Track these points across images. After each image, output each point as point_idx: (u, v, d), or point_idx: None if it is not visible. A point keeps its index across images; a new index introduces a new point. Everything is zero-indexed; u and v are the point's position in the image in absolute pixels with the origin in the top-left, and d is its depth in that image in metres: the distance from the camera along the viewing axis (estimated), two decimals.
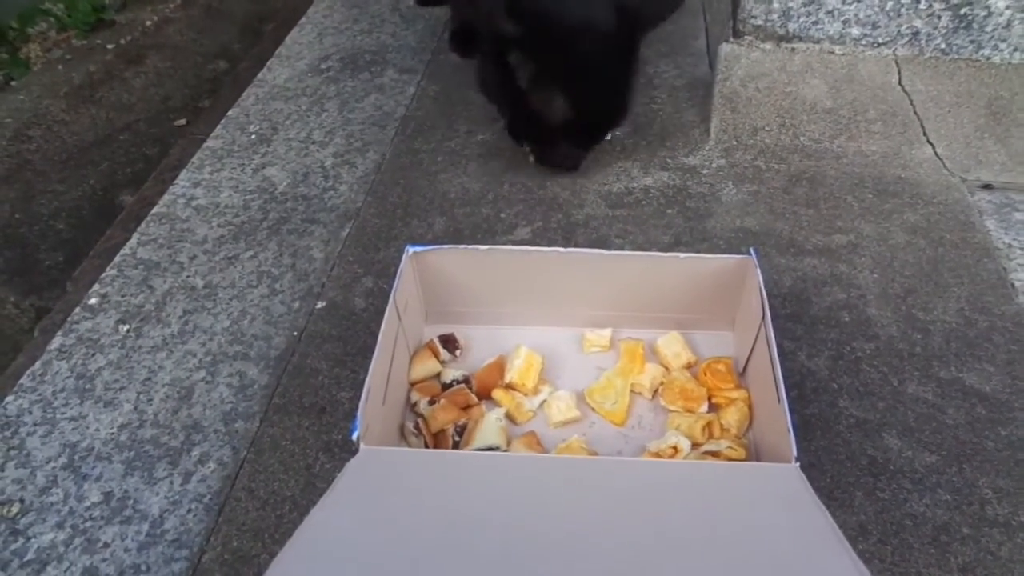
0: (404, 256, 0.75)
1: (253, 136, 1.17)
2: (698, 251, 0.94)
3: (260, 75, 1.31)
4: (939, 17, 1.09)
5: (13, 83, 2.18)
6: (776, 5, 1.11)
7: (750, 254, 0.75)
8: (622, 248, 0.94)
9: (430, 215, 1.01)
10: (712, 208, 1.00)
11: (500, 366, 0.78)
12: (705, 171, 1.06)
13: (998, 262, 0.93)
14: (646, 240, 0.96)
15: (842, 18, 1.11)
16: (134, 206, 1.71)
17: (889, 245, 0.95)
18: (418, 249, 0.76)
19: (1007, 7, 1.07)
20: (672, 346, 0.80)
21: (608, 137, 1.12)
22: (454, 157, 1.11)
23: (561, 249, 0.76)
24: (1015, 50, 1.10)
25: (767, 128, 1.09)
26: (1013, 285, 0.91)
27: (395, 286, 0.72)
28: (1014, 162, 1.05)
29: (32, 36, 2.34)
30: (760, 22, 1.13)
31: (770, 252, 0.94)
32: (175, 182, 1.11)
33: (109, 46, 2.28)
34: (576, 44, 0.94)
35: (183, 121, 2.00)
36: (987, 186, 1.04)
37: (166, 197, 1.08)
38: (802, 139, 1.08)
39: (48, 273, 1.67)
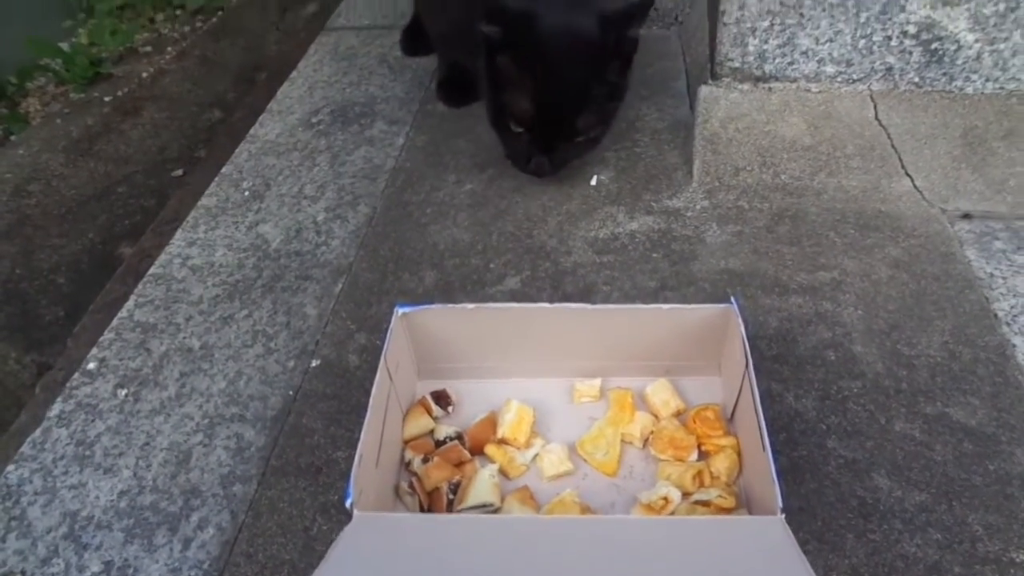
0: (393, 316, 0.77)
1: (247, 193, 1.20)
2: (684, 295, 0.96)
3: (253, 130, 1.34)
4: (911, 53, 1.12)
5: (12, 138, 2.22)
6: (752, 48, 1.14)
7: (731, 303, 0.76)
8: (609, 295, 0.96)
9: (421, 268, 1.03)
10: (697, 250, 1.02)
11: (492, 421, 0.79)
12: (689, 213, 1.08)
13: (980, 292, 0.95)
14: (632, 286, 0.98)
15: (816, 58, 1.14)
16: (133, 259, 1.73)
17: (872, 281, 0.96)
18: (407, 310, 0.78)
19: (975, 41, 1.09)
20: (661, 393, 0.81)
21: (593, 183, 1.14)
22: (443, 208, 1.13)
23: (547, 305, 0.78)
24: (986, 80, 1.13)
25: (748, 168, 1.11)
26: (996, 315, 0.92)
27: (385, 347, 0.73)
28: (991, 191, 1.07)
29: (31, 90, 2.38)
30: (737, 64, 1.16)
31: (755, 293, 0.96)
32: (171, 241, 1.13)
33: (107, 99, 2.32)
34: (552, 46, 1.00)
35: (180, 172, 2.04)
36: (966, 216, 1.06)
37: (162, 257, 1.10)
38: (783, 177, 1.10)
39: (49, 328, 1.69)
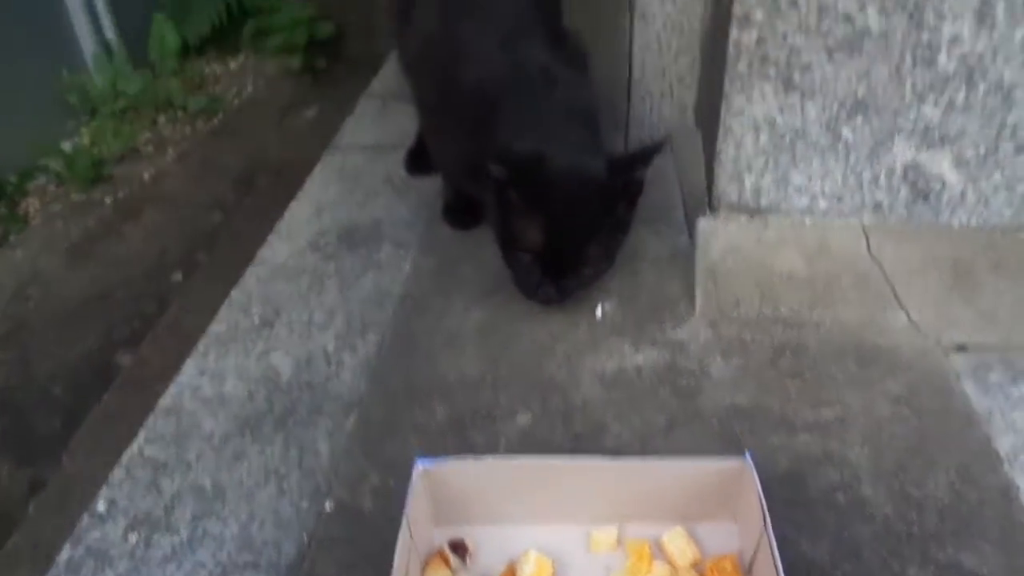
0: (414, 472, 0.78)
1: (256, 319, 1.22)
2: (692, 432, 0.98)
3: (261, 252, 1.36)
4: (899, 190, 1.17)
5: (11, 239, 2.24)
6: (748, 183, 1.19)
7: (746, 457, 0.78)
8: (620, 434, 0.98)
9: (431, 401, 1.05)
10: (703, 385, 1.05)
11: (511, 574, 0.80)
12: (693, 346, 1.11)
13: (981, 429, 0.98)
14: (642, 422, 1.00)
15: (809, 193, 1.19)
16: (133, 370, 1.73)
17: (876, 418, 0.99)
18: (427, 465, 0.79)
19: (959, 180, 1.15)
20: (677, 542, 0.82)
21: (598, 312, 1.17)
22: (452, 338, 1.15)
23: (564, 458, 0.79)
24: (971, 215, 1.18)
25: (748, 300, 1.15)
26: (998, 454, 0.95)
27: (407, 506, 0.74)
28: (983, 321, 1.11)
29: (30, 190, 2.41)
30: (734, 199, 1.21)
31: (762, 431, 0.98)
32: (182, 370, 1.14)
33: (107, 200, 2.36)
34: (560, 185, 1.05)
35: (179, 276, 2.06)
36: (961, 348, 1.10)
37: (172, 389, 1.11)
38: (782, 309, 1.14)
39: (44, 441, 1.68)
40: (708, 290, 1.16)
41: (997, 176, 1.14)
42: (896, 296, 1.14)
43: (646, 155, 1.10)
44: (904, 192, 1.17)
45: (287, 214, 1.47)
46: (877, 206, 1.19)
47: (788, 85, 1.11)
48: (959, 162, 1.14)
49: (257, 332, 1.20)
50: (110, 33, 2.78)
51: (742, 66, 1.10)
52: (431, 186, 1.53)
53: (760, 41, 1.08)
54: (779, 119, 1.13)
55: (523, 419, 1.01)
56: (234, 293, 1.28)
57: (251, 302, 1.26)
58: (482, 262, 1.30)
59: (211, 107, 2.78)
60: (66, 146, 2.57)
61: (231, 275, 1.96)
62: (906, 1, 1.03)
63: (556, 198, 1.07)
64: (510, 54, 1.20)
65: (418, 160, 1.56)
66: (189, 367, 1.15)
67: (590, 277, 1.14)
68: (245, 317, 1.23)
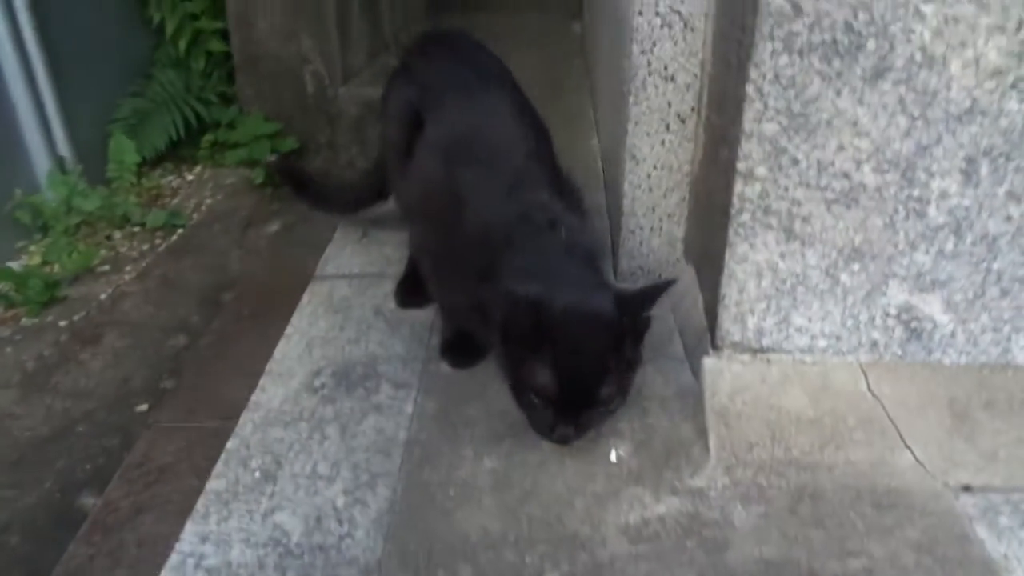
0: None
1: (257, 474, 1.16)
2: None
3: (255, 397, 1.32)
4: (893, 330, 1.22)
5: None
6: (751, 325, 1.22)
7: None
8: None
9: (455, 563, 1.01)
10: (728, 536, 1.04)
11: None
12: (712, 493, 1.11)
13: None
14: None
15: (809, 333, 1.23)
16: (99, 514, 1.62)
17: (901, 567, 1.00)
18: None
19: (949, 321, 1.21)
20: None
21: (613, 458, 1.17)
22: (466, 489, 1.13)
23: None
24: (961, 354, 1.24)
25: (760, 443, 1.16)
26: None
27: None
28: (985, 461, 1.15)
29: None
30: (737, 339, 1.23)
31: None
32: (180, 538, 1.07)
33: (62, 323, 2.25)
34: (570, 328, 1.06)
35: (145, 406, 1.96)
36: (967, 488, 1.13)
37: (173, 558, 1.04)
38: (794, 452, 1.16)
39: None
40: (721, 434, 1.17)
41: (984, 318, 1.20)
42: (901, 436, 1.17)
43: (653, 293, 1.13)
44: (898, 332, 1.22)
45: (277, 352, 1.44)
46: (873, 345, 1.23)
47: (789, 234, 1.16)
48: (949, 305, 1.19)
49: (260, 488, 1.14)
50: (63, 149, 2.72)
51: (745, 216, 1.15)
52: (423, 318, 1.52)
53: (763, 194, 1.13)
54: (781, 265, 1.18)
55: None
56: (231, 444, 1.23)
57: (250, 453, 1.20)
58: (486, 404, 1.29)
59: (170, 222, 2.73)
60: (14, 265, 2.47)
61: (201, 406, 1.89)
62: (899, 159, 1.10)
63: (565, 341, 1.07)
64: (515, 200, 1.23)
65: (409, 293, 1.55)
66: (189, 532, 1.08)
67: (604, 415, 1.14)
68: (245, 471, 1.17)
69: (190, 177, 3.15)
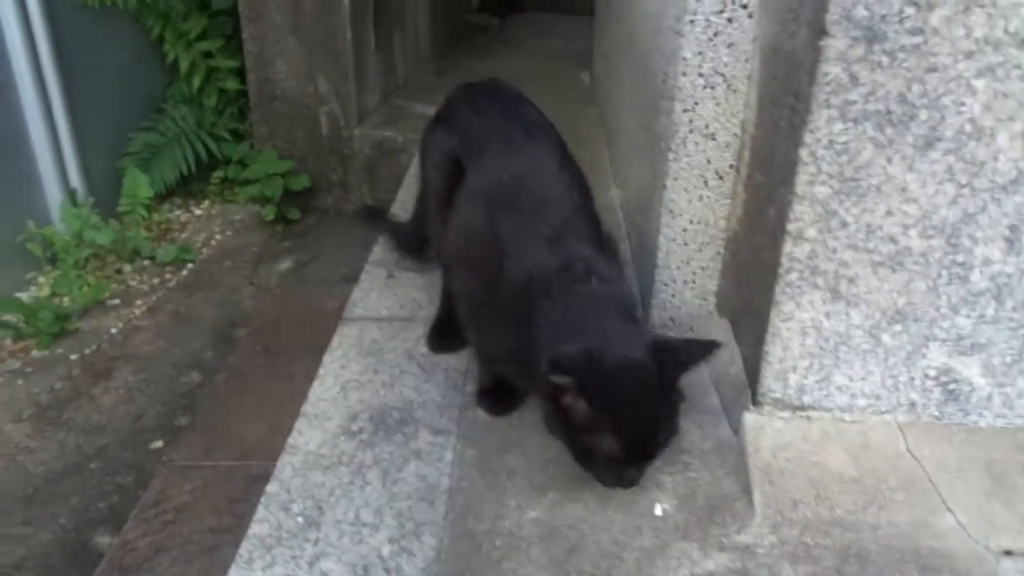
0: None
1: (300, 519, 1.15)
2: None
3: (292, 440, 1.31)
4: (931, 391, 1.24)
5: None
6: (792, 382, 1.24)
7: None
8: None
9: None
10: None
11: None
12: (760, 551, 1.11)
13: None
14: None
15: (849, 392, 1.24)
16: (116, 554, 1.59)
17: None
18: None
19: (987, 384, 1.23)
20: None
21: (658, 512, 1.17)
22: (513, 540, 1.12)
23: None
24: (997, 416, 1.26)
25: (805, 501, 1.17)
26: None
27: None
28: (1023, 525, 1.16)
29: None
30: (778, 395, 1.25)
31: None
32: None
33: (73, 356, 2.23)
34: (621, 386, 1.08)
35: (159, 443, 1.94)
36: (1008, 552, 1.14)
37: None
38: (838, 511, 1.16)
39: None
40: (765, 491, 1.18)
41: (1021, 382, 1.22)
42: (941, 497, 1.18)
43: (697, 352, 1.15)
44: (936, 393, 1.24)
45: (311, 394, 1.43)
46: (911, 405, 1.25)
47: (835, 295, 1.18)
48: (987, 368, 1.22)
49: (303, 534, 1.13)
50: (75, 181, 2.73)
51: (793, 276, 1.17)
52: (457, 364, 1.52)
53: (812, 255, 1.16)
54: (825, 324, 1.20)
55: None
56: (271, 487, 1.21)
57: (291, 498, 1.19)
58: (525, 451, 1.29)
59: (180, 257, 2.72)
60: (23, 297, 2.45)
61: (217, 445, 1.87)
62: (944, 226, 1.13)
63: (623, 402, 1.08)
64: (557, 252, 1.24)
65: (442, 338, 1.55)
66: None
67: (663, 452, 1.15)
68: (287, 516, 1.16)
69: (198, 212, 3.16)
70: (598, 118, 2.88)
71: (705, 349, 1.16)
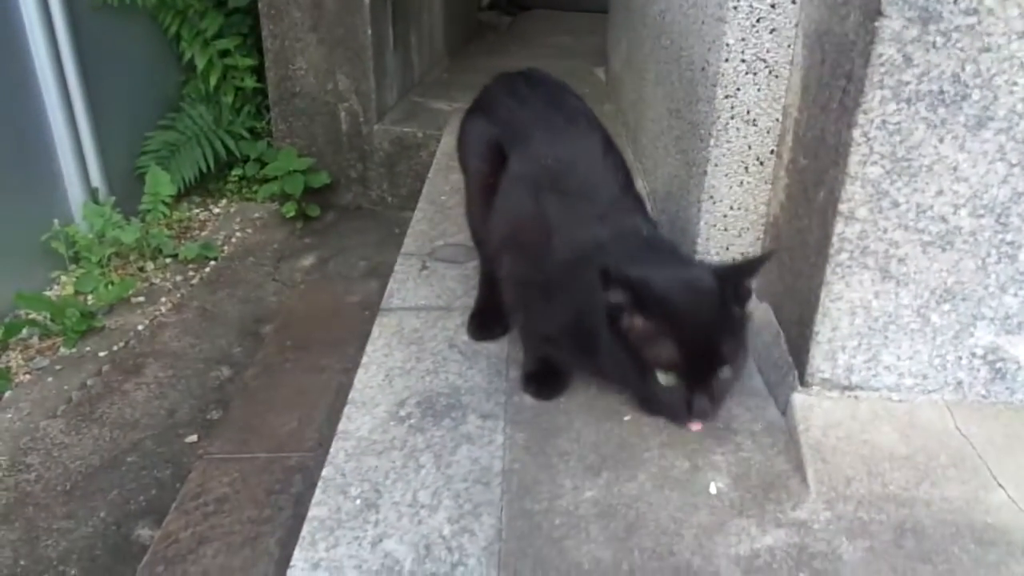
0: None
1: (358, 502, 1.16)
2: None
3: (342, 426, 1.31)
4: (978, 370, 1.25)
5: None
6: (841, 362, 1.25)
7: None
8: None
9: None
10: (839, 569, 1.06)
11: None
12: (816, 526, 1.12)
13: None
14: None
15: (897, 372, 1.26)
16: (159, 546, 1.60)
17: None
18: None
19: None
20: None
21: (713, 490, 1.18)
22: (571, 518, 1.13)
23: None
24: None
25: (858, 478, 1.18)
26: None
27: None
28: None
29: (11, 344, 2.27)
30: (827, 375, 1.26)
31: None
32: (291, 564, 1.06)
33: (101, 354, 2.24)
34: (677, 296, 1.09)
35: (194, 437, 1.95)
36: None
37: None
38: (890, 487, 1.18)
39: None
40: (818, 468, 1.19)
41: None
42: (992, 473, 1.19)
43: (753, 266, 1.16)
44: (983, 372, 1.26)
45: (357, 381, 1.44)
46: (958, 384, 1.27)
47: (885, 274, 1.19)
48: None
49: (363, 516, 1.14)
50: (97, 180, 2.73)
51: (844, 256, 1.19)
52: (498, 352, 1.53)
53: (862, 235, 1.17)
54: (874, 304, 1.21)
55: None
56: (326, 472, 1.22)
57: (347, 481, 1.20)
58: (575, 434, 1.30)
59: (203, 254, 2.73)
60: (48, 295, 2.45)
61: (252, 437, 1.88)
62: (994, 205, 1.14)
63: (678, 306, 1.09)
64: (608, 225, 1.26)
65: (482, 327, 1.56)
66: (299, 559, 1.07)
67: (730, 383, 1.13)
68: (345, 499, 1.17)
69: (217, 210, 3.17)
70: (615, 113, 2.90)
71: (757, 263, 1.16)
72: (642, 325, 1.10)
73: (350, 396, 1.40)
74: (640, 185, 2.17)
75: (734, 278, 1.13)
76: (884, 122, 1.10)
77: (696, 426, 1.14)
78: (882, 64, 1.07)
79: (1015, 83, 1.07)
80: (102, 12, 2.70)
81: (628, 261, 1.15)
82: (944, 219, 1.16)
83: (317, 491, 1.19)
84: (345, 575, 1.05)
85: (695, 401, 1.09)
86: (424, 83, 3.46)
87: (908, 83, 1.08)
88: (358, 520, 1.14)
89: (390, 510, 1.15)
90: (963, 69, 1.07)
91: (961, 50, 1.06)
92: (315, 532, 1.12)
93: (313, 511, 1.15)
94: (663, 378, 1.10)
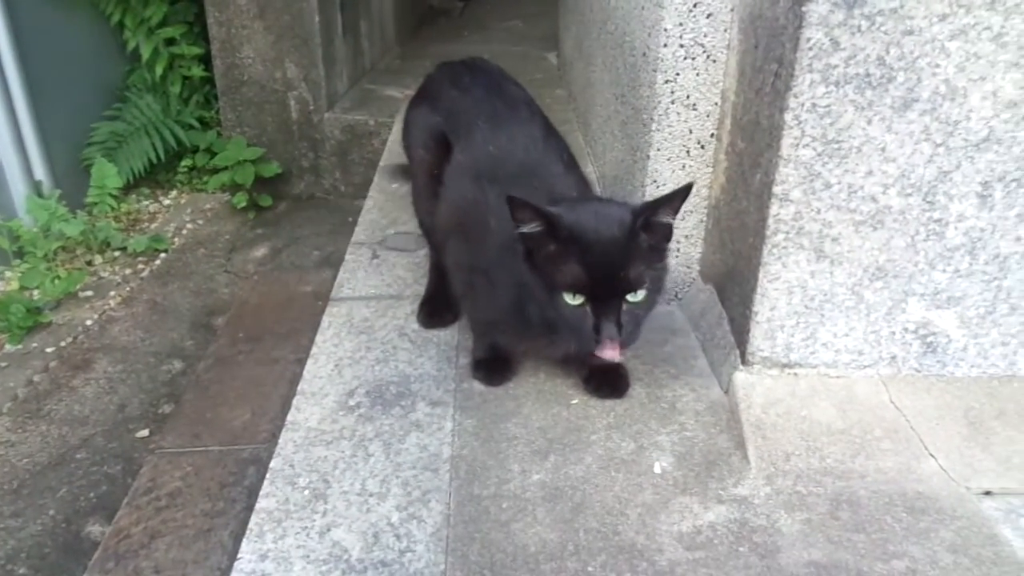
0: None
1: (306, 492, 1.16)
2: None
3: (291, 416, 1.32)
4: (911, 344, 1.29)
5: None
6: (780, 340, 1.28)
7: None
8: None
9: (519, 574, 1.03)
10: (777, 542, 1.09)
11: None
12: (757, 501, 1.15)
13: None
14: None
15: (834, 348, 1.29)
16: (110, 541, 1.59)
17: (942, 568, 1.05)
18: None
19: (962, 335, 1.29)
20: None
21: (657, 470, 1.20)
22: (518, 502, 1.15)
23: None
24: (972, 366, 1.32)
25: (796, 453, 1.21)
26: None
27: None
28: (1002, 468, 1.22)
29: None
30: (767, 354, 1.29)
31: None
32: (239, 556, 1.06)
33: (48, 350, 2.20)
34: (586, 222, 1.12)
35: (145, 432, 1.93)
36: (987, 493, 1.19)
37: None
38: (828, 461, 1.21)
39: None
40: (759, 445, 1.22)
41: (994, 332, 1.28)
42: (924, 444, 1.24)
43: (664, 199, 1.14)
44: (916, 346, 1.30)
45: (306, 372, 1.43)
46: (892, 359, 1.30)
47: (819, 254, 1.22)
48: (963, 320, 1.27)
49: (311, 506, 1.14)
50: (40, 173, 2.67)
51: (780, 237, 1.21)
52: (448, 339, 1.54)
53: (797, 216, 1.20)
54: (810, 283, 1.24)
55: None
56: (274, 463, 1.22)
57: (296, 472, 1.20)
58: (523, 419, 1.31)
59: (153, 247, 2.69)
60: None
61: (204, 431, 1.87)
62: (921, 184, 1.17)
63: (585, 231, 1.11)
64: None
65: (432, 314, 1.57)
66: (247, 551, 1.07)
67: (641, 311, 1.14)
68: (294, 490, 1.17)
69: (167, 202, 3.12)
70: (567, 97, 2.90)
71: (675, 195, 1.14)
72: (552, 250, 1.12)
73: (299, 387, 1.40)
74: (590, 170, 2.19)
75: (646, 211, 1.13)
76: (814, 105, 1.13)
77: (608, 352, 1.12)
78: (810, 48, 1.09)
79: (937, 65, 1.10)
80: (40, 1, 2.63)
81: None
82: (874, 199, 1.19)
83: (265, 483, 1.19)
84: (293, 566, 1.05)
85: (603, 327, 1.11)
86: (376, 70, 3.43)
87: (836, 66, 1.10)
88: (306, 511, 1.14)
89: (339, 499, 1.16)
90: (888, 52, 1.09)
91: (885, 33, 1.08)
92: (263, 524, 1.12)
93: (261, 503, 1.15)
94: (570, 298, 1.11)
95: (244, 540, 1.09)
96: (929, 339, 1.29)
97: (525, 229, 1.11)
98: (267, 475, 1.20)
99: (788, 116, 1.13)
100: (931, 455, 1.23)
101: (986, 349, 1.30)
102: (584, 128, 2.43)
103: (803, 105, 1.13)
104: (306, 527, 1.11)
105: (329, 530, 1.10)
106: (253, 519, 1.13)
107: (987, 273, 1.24)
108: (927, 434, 1.25)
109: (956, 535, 1.11)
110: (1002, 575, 1.05)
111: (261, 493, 1.17)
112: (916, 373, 1.32)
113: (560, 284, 1.12)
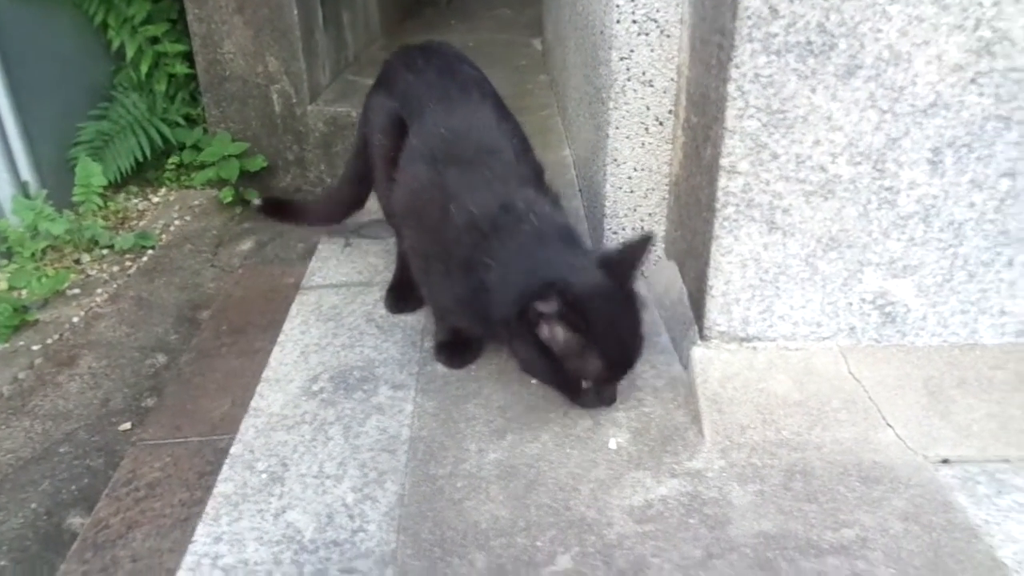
0: None
1: (264, 476, 1.18)
2: (730, 563, 1.01)
3: (254, 403, 1.33)
4: (869, 315, 1.29)
5: None
6: (736, 314, 1.28)
7: None
8: (661, 567, 1.00)
9: (468, 551, 1.04)
10: (728, 513, 1.09)
11: None
12: (710, 474, 1.15)
13: (984, 541, 1.05)
14: (680, 556, 1.02)
15: (792, 320, 1.29)
16: (89, 532, 1.61)
17: (892, 535, 1.05)
18: None
19: (920, 304, 1.28)
20: None
21: (613, 446, 1.21)
22: (473, 480, 1.15)
23: None
24: (932, 335, 1.31)
25: (752, 426, 1.21)
26: (1004, 564, 1.02)
27: None
28: (960, 436, 1.22)
29: None
30: (724, 328, 1.29)
31: (794, 556, 1.02)
32: (193, 538, 1.08)
33: (35, 347, 2.23)
34: (598, 308, 1.13)
35: (127, 425, 1.95)
36: (945, 461, 1.19)
37: (188, 559, 1.05)
38: (784, 433, 1.21)
39: None
40: (714, 419, 1.22)
41: (953, 301, 1.28)
42: (881, 414, 1.23)
43: (639, 251, 1.19)
44: (874, 317, 1.29)
45: (272, 359, 1.45)
46: (851, 330, 1.30)
47: (771, 226, 1.22)
48: (920, 289, 1.27)
49: (268, 489, 1.16)
50: (26, 174, 2.69)
51: (730, 210, 1.21)
52: (415, 323, 1.55)
53: (746, 188, 1.19)
54: (764, 255, 1.24)
55: (564, 561, 1.02)
56: (235, 449, 1.24)
57: (255, 457, 1.22)
58: (484, 399, 1.32)
59: (140, 244, 2.71)
60: None
61: (185, 422, 1.88)
62: (870, 152, 1.17)
63: (602, 323, 1.14)
64: (500, 192, 1.27)
65: (399, 299, 1.58)
66: (202, 534, 1.09)
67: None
68: (252, 474, 1.18)
69: (156, 199, 3.14)
70: (549, 83, 2.90)
71: (642, 244, 1.19)
72: (569, 338, 1.13)
73: (263, 374, 1.41)
74: (566, 153, 2.19)
75: (625, 274, 1.18)
76: (757, 75, 1.12)
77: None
78: (749, 16, 1.09)
79: (879, 30, 1.09)
80: (22, 2, 2.64)
81: (518, 256, 1.20)
82: (823, 168, 1.18)
83: (224, 468, 1.20)
84: (246, 547, 1.06)
85: (606, 395, 1.21)
86: (360, 61, 3.43)
87: (776, 35, 1.10)
88: (263, 494, 1.15)
89: (295, 482, 1.17)
90: (828, 18, 1.09)
91: None
92: (219, 508, 1.13)
93: (219, 487, 1.17)
94: (585, 384, 1.18)
95: (200, 523, 1.11)
96: (887, 309, 1.29)
97: (543, 309, 1.12)
98: (226, 460, 1.22)
99: (731, 87, 1.13)
100: (889, 425, 1.22)
101: (946, 318, 1.29)
102: (562, 112, 2.43)
103: (745, 76, 1.12)
104: (261, 510, 1.12)
105: (284, 512, 1.12)
106: (210, 503, 1.14)
107: (942, 240, 1.23)
108: (885, 404, 1.25)
109: (909, 503, 1.11)
110: (952, 541, 1.04)
111: (219, 478, 1.18)
112: (876, 344, 1.31)
113: (576, 374, 1.18)
